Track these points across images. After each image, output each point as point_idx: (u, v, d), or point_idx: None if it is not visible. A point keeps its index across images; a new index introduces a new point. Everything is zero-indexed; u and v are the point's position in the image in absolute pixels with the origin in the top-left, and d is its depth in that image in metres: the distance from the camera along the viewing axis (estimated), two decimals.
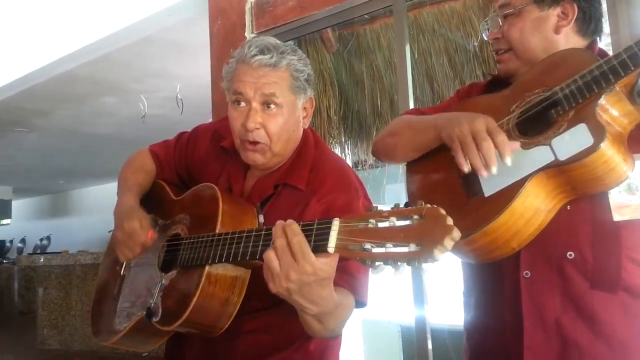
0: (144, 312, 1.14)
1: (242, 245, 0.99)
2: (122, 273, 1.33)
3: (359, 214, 0.82)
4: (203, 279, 1.05)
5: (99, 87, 5.61)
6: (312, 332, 1.02)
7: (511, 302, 1.06)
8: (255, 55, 1.13)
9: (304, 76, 1.17)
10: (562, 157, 0.95)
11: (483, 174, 0.98)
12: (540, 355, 1.01)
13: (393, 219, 0.77)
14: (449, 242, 0.72)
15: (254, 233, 0.99)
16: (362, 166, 3.33)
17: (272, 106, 1.14)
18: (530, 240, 1.00)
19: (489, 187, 1.02)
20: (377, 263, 0.76)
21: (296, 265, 0.82)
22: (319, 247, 0.82)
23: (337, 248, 0.81)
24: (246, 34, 2.96)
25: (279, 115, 1.15)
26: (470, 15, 2.62)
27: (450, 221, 0.74)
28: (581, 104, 0.96)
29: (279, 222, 0.87)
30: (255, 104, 1.14)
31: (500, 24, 1.18)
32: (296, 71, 1.16)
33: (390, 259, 0.75)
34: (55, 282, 6.38)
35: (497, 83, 1.23)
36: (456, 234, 0.73)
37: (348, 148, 3.22)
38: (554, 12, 1.13)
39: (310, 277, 0.83)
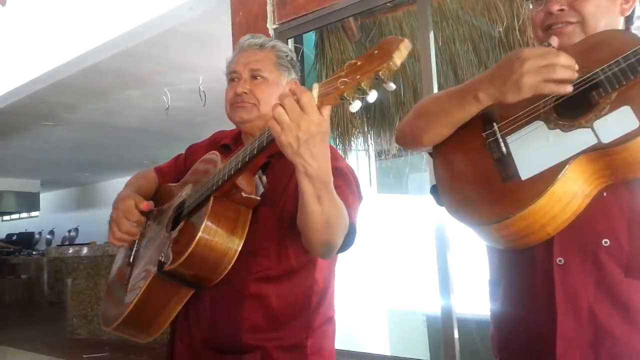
0: (156, 269, 1.18)
1: (241, 155, 1.09)
2: (130, 261, 1.37)
3: (333, 73, 0.93)
4: (208, 212, 1.12)
5: (124, 80, 5.68)
6: (310, 220, 1.04)
7: (543, 290, 1.04)
8: (247, 39, 1.35)
9: (287, 57, 1.35)
10: (606, 139, 0.92)
11: (568, 90, 0.94)
12: (573, 344, 0.99)
13: (359, 62, 0.88)
14: (403, 47, 0.85)
15: (249, 146, 1.07)
16: (385, 156, 3.32)
17: (259, 78, 1.31)
18: (565, 225, 0.98)
19: (526, 169, 1.00)
20: (354, 100, 0.87)
21: (305, 115, 0.91)
22: None
23: (320, 96, 0.92)
24: (268, 25, 2.97)
25: (264, 84, 1.31)
26: (495, 2, 2.58)
27: (401, 38, 0.86)
28: (625, 85, 0.93)
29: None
30: (245, 76, 1.31)
31: None
32: (280, 51, 1.35)
33: (362, 83, 0.85)
34: (84, 273, 6.52)
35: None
36: (407, 42, 0.86)
37: (371, 138, 3.21)
38: None
39: (316, 127, 0.92)
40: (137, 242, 1.40)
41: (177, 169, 1.51)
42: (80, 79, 5.11)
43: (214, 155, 1.30)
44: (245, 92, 1.29)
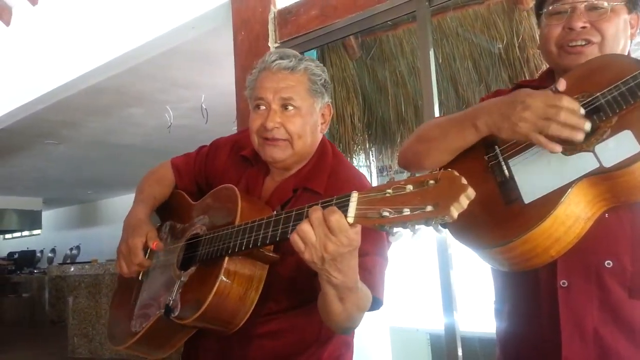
0: (163, 310, 1.15)
1: (262, 231, 1.01)
2: (140, 278, 1.34)
3: (377, 187, 0.85)
4: (222, 271, 1.06)
5: (126, 99, 5.71)
6: (331, 315, 1.00)
7: (548, 312, 1.03)
8: (275, 60, 1.20)
9: (321, 81, 1.22)
10: (607, 163, 0.93)
11: (579, 137, 0.93)
12: None
13: (409, 186, 0.80)
14: (464, 199, 0.75)
15: (273, 218, 1.00)
16: (387, 172, 3.32)
17: (290, 108, 1.18)
18: (569, 248, 0.98)
19: (529, 193, 1.00)
20: (395, 229, 0.79)
21: (334, 237, 0.84)
22: (343, 211, 0.86)
23: (357, 217, 0.83)
24: (269, 44, 2.99)
25: (297, 116, 1.18)
26: (495, 19, 2.59)
27: (464, 181, 0.77)
28: (625, 110, 0.94)
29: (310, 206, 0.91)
30: (274, 106, 1.18)
31: (583, 11, 1.09)
32: (313, 75, 1.20)
33: (408, 222, 0.77)
34: (85, 292, 6.48)
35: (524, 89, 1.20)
36: (471, 192, 0.76)
37: (372, 155, 3.21)
38: (633, 18, 1.11)
39: (345, 248, 0.86)
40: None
41: (197, 169, 1.42)
42: (82, 97, 5.14)
43: (233, 193, 1.18)
44: (277, 127, 1.18)
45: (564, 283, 1.01)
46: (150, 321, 1.19)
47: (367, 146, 3.16)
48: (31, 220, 12.79)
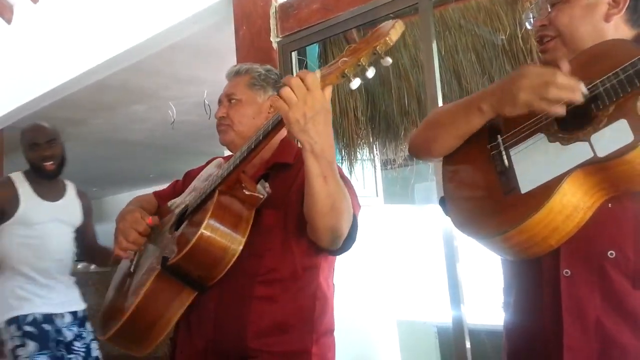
0: (159, 266, 1.18)
1: (245, 149, 1.17)
2: (131, 270, 1.38)
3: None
4: (212, 205, 1.16)
5: (130, 95, 5.72)
6: (316, 201, 1.07)
7: (550, 301, 1.03)
8: (228, 70, 1.52)
9: (261, 77, 1.46)
10: (601, 153, 0.92)
11: (578, 97, 0.95)
12: (580, 356, 0.99)
13: (357, 46, 0.99)
14: (398, 24, 0.96)
15: (259, 132, 1.15)
16: (392, 166, 3.32)
17: (233, 100, 1.44)
18: (569, 237, 0.98)
19: (526, 183, 1.00)
20: (354, 78, 0.97)
21: (310, 93, 1.00)
22: None
23: (323, 75, 1.01)
24: (271, 38, 2.98)
25: (238, 105, 1.43)
26: (498, 10, 2.58)
27: (396, 19, 0.98)
28: (622, 98, 0.92)
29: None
30: (224, 102, 1.47)
31: (549, 10, 1.14)
32: (254, 72, 1.46)
33: (362, 58, 0.95)
34: (93, 289, 6.50)
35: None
36: (400, 21, 0.97)
37: (376, 148, 3.21)
38: (605, 0, 1.09)
39: (320, 104, 1.01)
40: (137, 254, 1.40)
41: (175, 193, 1.56)
42: (86, 94, 5.15)
43: (221, 159, 1.40)
44: (223, 116, 1.44)
45: (566, 272, 1.01)
46: (147, 285, 1.19)
47: (371, 140, 3.16)
48: None
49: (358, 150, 3.12)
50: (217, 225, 1.15)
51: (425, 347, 3.01)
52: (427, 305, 3.03)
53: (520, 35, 2.47)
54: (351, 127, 3.06)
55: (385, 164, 3.45)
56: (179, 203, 1.42)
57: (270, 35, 2.98)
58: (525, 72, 1.00)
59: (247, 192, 1.19)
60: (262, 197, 1.20)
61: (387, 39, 0.94)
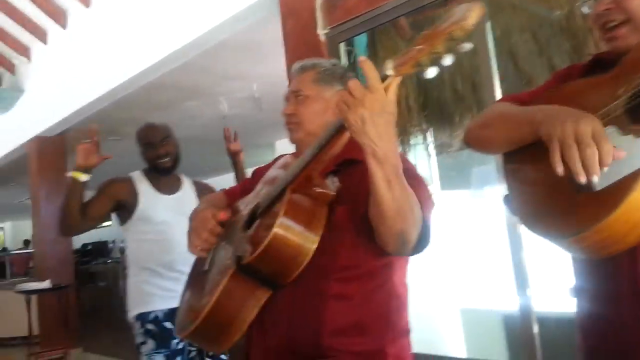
0: (235, 266, 1.18)
1: (315, 144, 1.15)
2: (205, 268, 1.38)
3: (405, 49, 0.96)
4: (285, 203, 1.15)
5: (182, 93, 5.86)
6: (382, 207, 1.04)
7: (629, 299, 0.99)
8: (294, 67, 1.46)
9: (327, 72, 1.41)
10: None
11: (581, 180, 0.91)
12: None
13: (430, 31, 0.91)
14: (475, 6, 0.87)
15: (325, 132, 1.13)
16: (447, 151, 3.26)
17: (300, 97, 1.39)
18: None
19: (599, 179, 0.96)
20: (430, 68, 0.91)
21: (369, 93, 0.96)
22: (381, 78, 0.97)
23: (395, 67, 0.95)
24: (318, 31, 2.97)
25: (306, 102, 1.38)
26: None
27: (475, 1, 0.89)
28: None
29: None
30: (291, 100, 1.41)
31: None
32: (320, 67, 1.41)
33: (439, 45, 0.88)
34: None
35: (600, 63, 1.11)
36: (478, 2, 0.88)
37: (430, 135, 3.15)
38: None
39: (379, 104, 0.97)
40: (211, 252, 1.40)
41: (245, 191, 1.54)
42: (141, 94, 5.31)
43: (289, 157, 1.39)
44: (292, 113, 1.39)
45: None
46: (222, 284, 1.19)
47: (424, 127, 3.11)
48: None
49: (411, 138, 3.07)
50: (290, 223, 1.14)
51: (490, 336, 2.94)
52: (491, 293, 2.95)
53: (579, 12, 2.35)
54: (403, 115, 3.02)
55: (440, 149, 3.38)
56: (248, 202, 1.42)
57: (317, 28, 2.96)
58: (581, 120, 0.92)
59: (318, 190, 1.18)
60: (333, 193, 1.18)
61: (465, 23, 0.87)
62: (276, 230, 1.11)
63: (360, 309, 1.21)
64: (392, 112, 0.99)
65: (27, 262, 11.54)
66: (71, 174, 2.31)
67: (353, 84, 0.99)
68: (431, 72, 0.91)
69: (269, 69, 5.04)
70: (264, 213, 1.26)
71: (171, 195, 2.50)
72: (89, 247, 13.58)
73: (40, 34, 6.17)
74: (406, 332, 1.29)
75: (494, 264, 2.85)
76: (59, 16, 5.75)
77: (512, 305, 2.46)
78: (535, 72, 2.54)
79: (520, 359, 2.45)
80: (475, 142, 1.25)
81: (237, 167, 2.70)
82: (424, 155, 3.31)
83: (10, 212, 16.47)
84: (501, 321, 2.88)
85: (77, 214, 2.33)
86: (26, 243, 14.84)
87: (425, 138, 3.13)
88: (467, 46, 0.89)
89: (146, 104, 6.01)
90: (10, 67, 6.98)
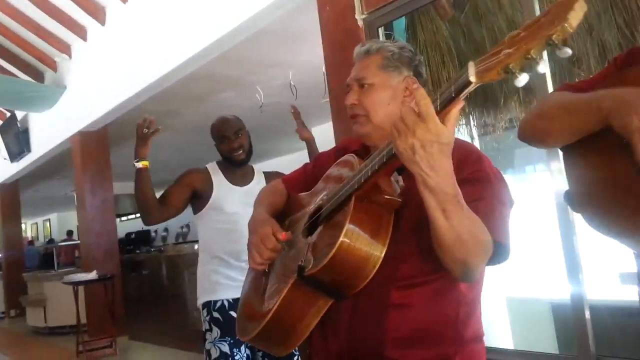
0: (296, 275, 1.14)
1: (377, 157, 1.05)
2: (266, 270, 1.34)
3: (490, 50, 0.84)
4: (350, 211, 1.08)
5: (218, 84, 5.90)
6: (439, 235, 0.97)
7: None
8: (356, 50, 1.34)
9: (395, 56, 1.28)
10: None
11: None
12: None
13: (522, 33, 0.80)
14: (578, 6, 0.74)
15: (387, 147, 1.02)
16: (491, 134, 3.17)
17: (365, 85, 1.28)
18: None
19: None
20: (520, 73, 0.79)
21: (421, 123, 0.88)
22: (462, 84, 0.86)
23: (478, 73, 0.83)
24: (356, 16, 2.91)
25: (371, 91, 1.27)
26: None
27: None
28: None
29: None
30: (354, 88, 1.30)
31: None
32: (387, 51, 1.29)
33: (530, 51, 0.77)
34: None
35: None
36: (582, 1, 0.75)
37: (474, 119, 3.06)
38: None
39: (432, 136, 0.88)
40: None
41: (306, 178, 1.48)
42: (178, 87, 5.37)
43: (351, 157, 1.26)
44: (354, 103, 1.28)
45: None
46: (283, 293, 1.16)
47: (467, 110, 3.02)
48: None
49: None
50: (357, 233, 1.07)
51: (538, 325, 2.84)
52: (539, 281, 2.86)
53: None
54: None
55: (483, 132, 3.29)
56: (310, 200, 1.34)
57: (355, 13, 2.91)
58: None
59: (386, 197, 1.09)
60: (400, 200, 1.09)
61: (566, 25, 0.74)
62: (342, 239, 1.05)
63: (425, 318, 1.15)
64: (448, 141, 0.89)
65: (73, 252, 11.93)
66: (139, 163, 2.39)
67: (405, 111, 0.90)
68: (523, 79, 0.80)
69: (305, 56, 5.01)
70: (327, 220, 1.18)
71: (243, 187, 2.56)
72: (133, 236, 13.93)
73: (80, 32, 6.30)
74: (476, 338, 1.21)
75: (541, 250, 2.75)
76: (98, 13, 5.84)
77: (561, 294, 2.37)
78: (585, 50, 2.42)
79: (571, 350, 2.37)
80: (533, 135, 1.18)
81: (311, 152, 2.71)
82: (467, 137, 3.23)
83: (56, 204, 17.04)
84: (549, 310, 2.78)
85: (154, 201, 2.43)
86: (69, 233, 15.33)
87: (468, 122, 3.05)
88: (568, 51, 0.77)
89: (183, 96, 6.08)
90: (52, 65, 7.16)
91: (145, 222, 2.51)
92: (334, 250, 1.05)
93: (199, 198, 2.53)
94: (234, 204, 2.48)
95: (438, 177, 0.91)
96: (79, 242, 12.36)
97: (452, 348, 1.15)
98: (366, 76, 1.28)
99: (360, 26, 2.89)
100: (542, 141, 1.18)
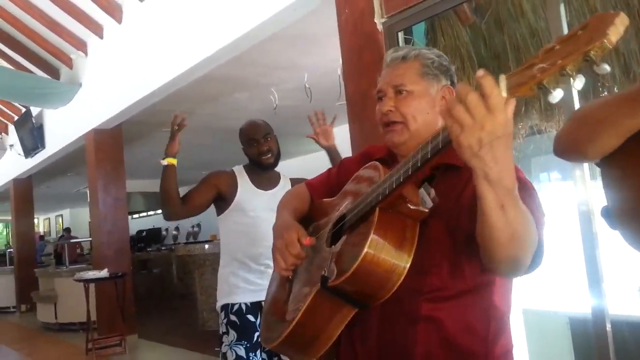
0: (319, 284, 1.12)
1: (405, 166, 1.01)
2: (290, 277, 1.33)
3: (522, 63, 0.80)
4: (375, 222, 1.05)
5: (232, 85, 5.88)
6: (493, 233, 0.92)
7: None
8: (390, 54, 1.29)
9: (434, 64, 1.25)
10: None
11: None
12: None
13: (557, 46, 0.76)
14: (619, 21, 0.71)
15: (425, 148, 0.96)
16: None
17: (403, 92, 1.24)
18: None
19: None
20: (554, 88, 0.75)
21: (491, 116, 0.80)
22: None
23: (510, 88, 0.78)
24: (375, 20, 2.87)
25: (409, 98, 1.23)
26: None
27: (616, 12, 0.72)
28: None
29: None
30: (389, 94, 1.26)
31: None
32: (426, 59, 1.25)
33: (566, 67, 0.73)
34: (210, 268, 6.88)
35: None
36: (623, 16, 0.71)
37: None
38: None
39: (502, 128, 0.81)
40: None
41: (330, 184, 1.46)
42: (192, 88, 5.36)
43: (377, 165, 1.22)
44: (391, 110, 1.24)
45: None
46: (307, 301, 1.15)
47: None
48: (155, 201, 13.78)
49: None
50: (381, 244, 1.05)
51: (555, 339, 2.78)
52: (556, 294, 2.80)
53: None
54: None
55: None
56: (334, 207, 1.32)
57: (374, 17, 2.87)
58: None
59: (411, 207, 1.07)
60: (427, 211, 1.07)
61: (605, 41, 0.71)
62: (367, 250, 1.03)
63: (455, 332, 1.13)
64: (512, 132, 0.84)
65: (75, 250, 11.87)
66: (165, 160, 2.41)
67: (472, 99, 0.80)
68: (557, 96, 0.75)
69: (320, 59, 4.98)
70: (351, 229, 1.16)
71: (267, 191, 2.55)
72: (144, 233, 13.99)
73: (96, 29, 6.31)
74: (508, 352, 1.18)
75: (559, 262, 2.69)
76: (115, 11, 5.86)
77: (580, 307, 2.31)
78: (611, 60, 2.36)
79: None
80: (573, 146, 1.12)
81: (332, 160, 2.64)
82: None
83: (69, 200, 17.17)
84: (567, 324, 2.72)
85: (177, 198, 2.43)
86: (67, 230, 15.27)
87: None
88: (606, 68, 0.73)
89: (196, 97, 6.07)
90: (68, 62, 7.20)
91: (166, 218, 2.52)
92: (358, 262, 1.03)
93: (223, 200, 2.53)
94: (257, 208, 2.48)
95: (501, 170, 0.85)
96: (77, 240, 12.43)
97: None
98: (405, 83, 1.23)
99: (380, 30, 2.85)
100: (582, 151, 1.10)
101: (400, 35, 2.81)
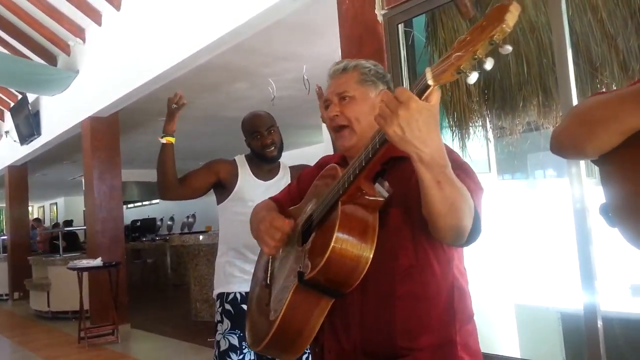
0: (296, 280, 1.23)
1: (359, 158, 1.14)
2: (267, 282, 1.45)
3: (442, 56, 0.94)
4: (339, 213, 1.18)
5: (231, 75, 5.86)
6: (434, 208, 1.05)
7: None
8: (331, 68, 1.42)
9: (371, 72, 1.39)
10: None
11: None
12: None
13: (467, 37, 0.89)
14: (513, 7, 0.84)
15: (373, 141, 1.10)
16: (507, 137, 3.11)
17: (346, 98, 1.37)
18: None
19: None
20: (470, 72, 0.88)
21: (402, 104, 0.95)
22: (422, 89, 0.97)
23: (435, 76, 0.93)
24: (376, 11, 2.86)
25: (352, 103, 1.37)
26: None
27: (509, 1, 0.86)
28: None
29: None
30: (335, 101, 1.39)
31: None
32: (363, 68, 1.39)
33: (477, 51, 0.87)
34: (204, 259, 6.89)
35: None
36: (515, 3, 0.85)
37: (490, 121, 3.01)
38: None
39: (414, 112, 0.95)
40: (270, 264, 1.48)
41: (292, 196, 1.59)
42: (190, 76, 5.33)
43: (334, 167, 1.35)
44: (337, 115, 1.37)
45: None
46: (287, 298, 1.24)
47: (484, 112, 2.97)
48: (150, 190, 13.73)
49: (471, 124, 2.93)
50: (346, 236, 1.17)
51: (546, 334, 2.79)
52: (549, 290, 2.81)
53: None
54: (462, 99, 2.89)
55: (499, 135, 3.23)
56: (300, 211, 1.44)
57: (375, 8, 2.86)
58: None
59: (369, 198, 1.19)
60: (383, 200, 1.19)
61: (504, 25, 0.84)
62: (334, 245, 1.15)
63: (428, 306, 1.25)
64: (431, 114, 0.97)
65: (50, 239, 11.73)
66: (164, 139, 2.42)
67: (385, 96, 0.99)
68: (473, 78, 0.90)
69: (319, 49, 4.96)
70: (318, 226, 1.28)
71: (266, 182, 2.56)
72: (138, 223, 13.95)
73: (94, 16, 6.27)
74: (470, 317, 1.31)
75: (551, 257, 2.71)
76: None
77: (571, 303, 2.32)
78: (609, 55, 2.37)
79: None
80: (572, 143, 1.13)
81: None
82: (482, 143, 3.18)
83: (64, 189, 17.11)
84: (558, 319, 2.73)
85: (175, 177, 2.43)
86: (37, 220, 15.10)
87: (484, 124, 2.99)
88: (508, 48, 0.86)
89: (195, 86, 6.04)
90: (66, 49, 7.15)
91: (162, 197, 2.53)
92: (327, 254, 1.15)
93: (222, 188, 2.53)
94: (256, 198, 2.48)
95: (431, 149, 0.98)
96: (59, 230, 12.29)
97: (453, 330, 1.25)
98: (347, 89, 1.36)
99: (380, 22, 2.84)
100: (581, 149, 1.11)
101: (400, 27, 2.80)
